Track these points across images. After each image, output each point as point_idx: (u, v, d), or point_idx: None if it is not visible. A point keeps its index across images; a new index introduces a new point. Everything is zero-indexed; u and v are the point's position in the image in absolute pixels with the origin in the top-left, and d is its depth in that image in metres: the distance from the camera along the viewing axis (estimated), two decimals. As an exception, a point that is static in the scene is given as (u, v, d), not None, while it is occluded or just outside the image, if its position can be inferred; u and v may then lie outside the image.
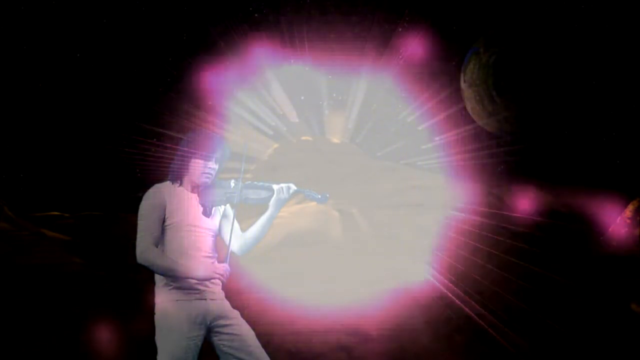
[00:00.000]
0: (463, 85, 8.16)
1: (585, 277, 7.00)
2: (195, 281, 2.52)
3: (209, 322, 2.54)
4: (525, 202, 8.37)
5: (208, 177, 2.64)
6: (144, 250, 2.47)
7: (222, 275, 2.55)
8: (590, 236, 7.80)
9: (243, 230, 2.76)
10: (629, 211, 7.49)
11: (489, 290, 6.72)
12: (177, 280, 2.50)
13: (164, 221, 2.55)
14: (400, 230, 7.47)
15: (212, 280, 2.56)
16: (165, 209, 2.55)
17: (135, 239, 2.51)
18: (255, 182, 2.72)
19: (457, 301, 6.49)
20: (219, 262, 2.64)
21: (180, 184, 2.65)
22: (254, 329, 2.61)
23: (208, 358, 2.72)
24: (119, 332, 5.71)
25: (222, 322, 2.56)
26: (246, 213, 3.11)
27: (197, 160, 2.63)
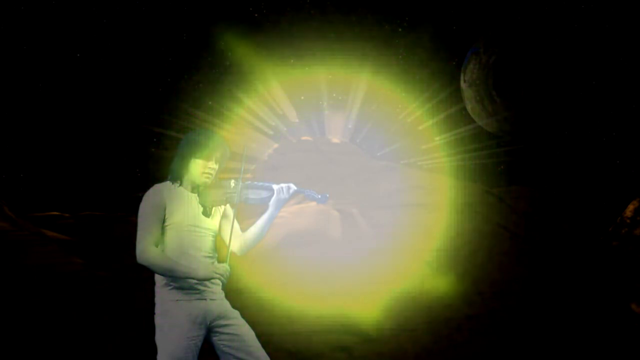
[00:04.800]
0: (463, 85, 8.16)
1: (586, 277, 7.00)
2: (195, 281, 2.51)
3: (209, 322, 2.54)
4: (524, 202, 8.36)
5: (208, 177, 2.63)
6: (144, 250, 2.47)
7: (222, 275, 2.54)
8: (590, 236, 7.80)
9: (243, 230, 2.76)
10: (629, 211, 7.49)
11: (489, 290, 6.72)
12: (177, 280, 2.50)
13: (164, 221, 2.54)
14: (400, 230, 7.46)
15: (212, 280, 2.56)
16: (165, 209, 2.55)
17: (135, 239, 2.50)
18: (255, 182, 2.71)
19: (457, 301, 6.49)
20: (219, 262, 2.64)
21: (180, 184, 2.65)
22: (254, 329, 2.61)
23: (208, 358, 2.73)
24: (119, 331, 5.70)
25: (222, 322, 2.56)
26: (246, 213, 3.11)
27: (197, 160, 2.62)
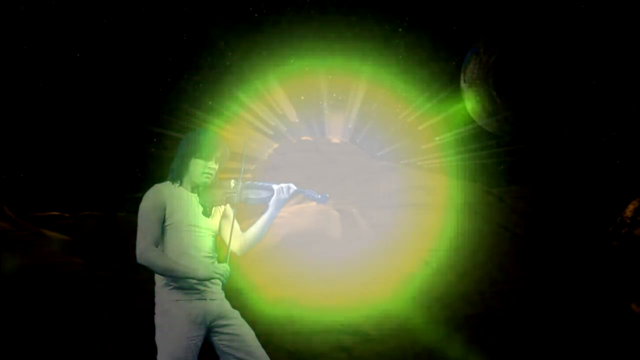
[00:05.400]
0: (463, 85, 8.16)
1: (586, 277, 7.00)
2: (195, 281, 2.52)
3: (209, 322, 2.54)
4: (524, 202, 8.36)
5: (208, 177, 2.63)
6: (144, 250, 2.47)
7: (222, 275, 2.54)
8: (590, 236, 7.80)
9: (243, 230, 2.76)
10: (629, 211, 7.49)
11: (489, 290, 6.73)
12: (177, 280, 2.50)
13: (164, 221, 2.54)
14: (400, 230, 7.46)
15: (212, 280, 2.56)
16: (165, 209, 2.55)
17: (135, 239, 2.51)
18: (255, 182, 2.71)
19: (457, 301, 6.49)
20: (219, 262, 2.64)
21: (180, 184, 2.65)
22: (254, 329, 2.61)
23: (208, 358, 2.73)
24: (119, 331, 5.70)
25: (222, 322, 2.56)
26: (246, 213, 3.11)
27: (197, 160, 2.62)
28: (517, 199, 8.47)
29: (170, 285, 2.51)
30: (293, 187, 2.70)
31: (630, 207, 7.49)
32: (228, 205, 2.73)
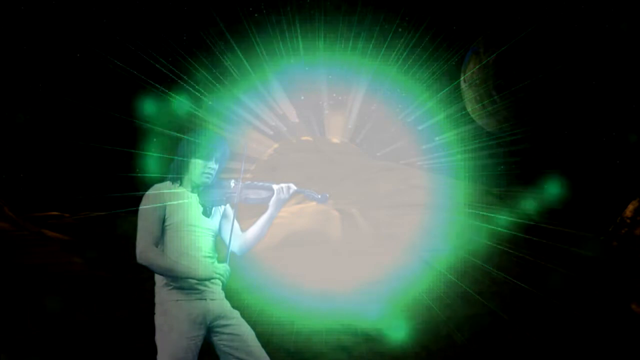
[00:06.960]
0: (463, 85, 8.16)
1: (586, 277, 7.00)
2: (195, 281, 2.52)
3: (209, 322, 2.54)
4: (525, 202, 8.36)
5: (208, 177, 2.64)
6: (144, 250, 2.47)
7: (222, 275, 2.55)
8: (590, 237, 7.80)
9: (243, 230, 2.77)
10: (629, 211, 7.49)
11: (488, 290, 6.73)
12: (177, 280, 2.50)
13: (164, 221, 2.55)
14: (400, 230, 7.46)
15: (212, 280, 2.56)
16: (165, 209, 2.55)
17: (135, 239, 2.51)
18: (255, 182, 2.72)
19: (457, 301, 6.49)
20: (219, 262, 2.64)
21: (180, 184, 2.66)
22: (254, 329, 2.62)
23: (208, 358, 2.73)
24: (119, 331, 5.71)
25: (222, 322, 2.56)
26: (246, 213, 3.11)
27: (197, 160, 2.63)
28: (517, 199, 8.47)
29: (170, 285, 2.51)
30: (293, 187, 2.71)
31: (630, 207, 7.49)
32: (228, 205, 2.74)
